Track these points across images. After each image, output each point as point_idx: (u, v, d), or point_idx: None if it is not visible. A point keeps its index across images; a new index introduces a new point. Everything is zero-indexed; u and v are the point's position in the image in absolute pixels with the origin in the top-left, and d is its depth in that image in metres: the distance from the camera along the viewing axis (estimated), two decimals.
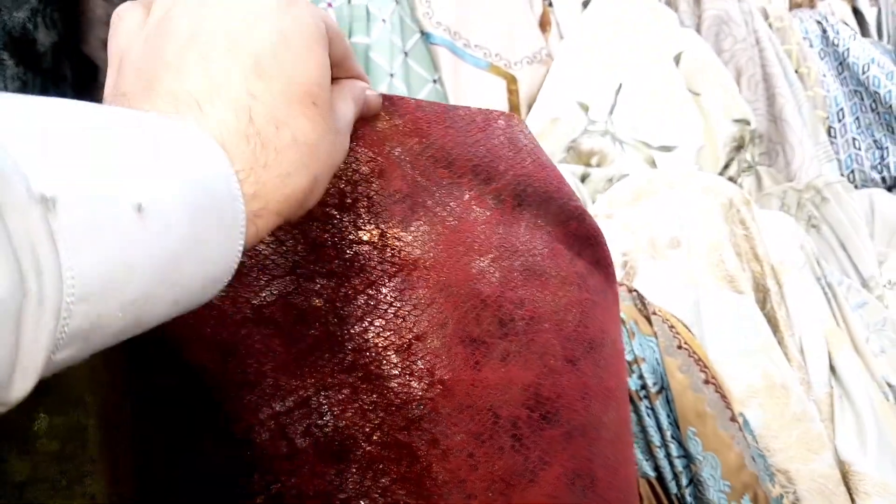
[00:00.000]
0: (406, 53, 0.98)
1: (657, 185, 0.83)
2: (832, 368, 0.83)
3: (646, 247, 0.79)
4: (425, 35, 0.99)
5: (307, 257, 0.34)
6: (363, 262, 0.34)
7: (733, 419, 0.68)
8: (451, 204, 0.36)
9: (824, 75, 1.51)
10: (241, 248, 0.24)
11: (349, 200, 0.35)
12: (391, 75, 0.96)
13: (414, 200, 0.36)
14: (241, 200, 0.24)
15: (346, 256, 0.34)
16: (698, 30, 1.29)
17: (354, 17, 0.95)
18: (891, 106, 1.53)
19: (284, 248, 0.34)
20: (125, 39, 0.28)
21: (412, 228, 0.35)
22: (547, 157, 0.39)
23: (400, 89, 0.96)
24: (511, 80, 0.96)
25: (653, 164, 0.94)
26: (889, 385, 0.87)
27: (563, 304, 0.38)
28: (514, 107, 0.96)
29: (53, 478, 0.27)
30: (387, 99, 0.35)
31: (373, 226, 0.35)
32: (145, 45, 0.27)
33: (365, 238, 0.35)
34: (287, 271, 0.34)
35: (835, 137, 1.53)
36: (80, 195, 0.19)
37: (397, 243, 0.35)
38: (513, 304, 0.36)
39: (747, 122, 1.14)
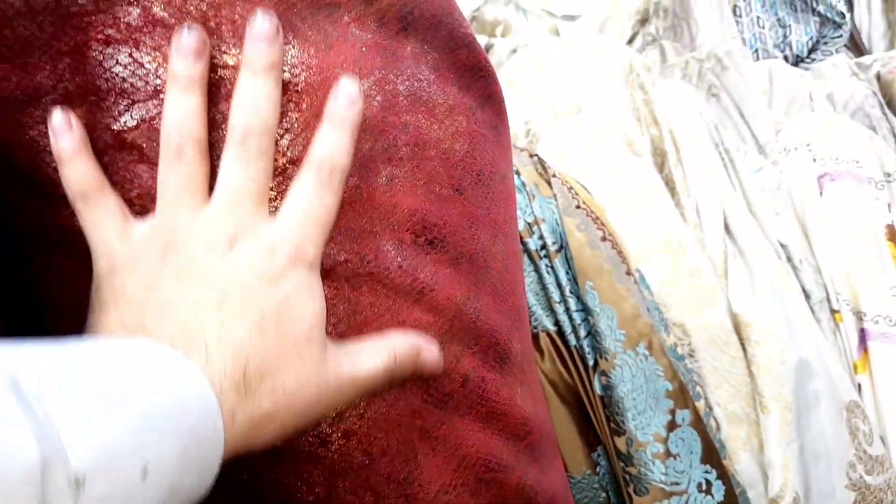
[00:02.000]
0: None
1: (559, 53, 0.82)
2: (727, 229, 0.86)
3: (547, 114, 0.79)
4: None
5: None
6: (230, 86, 0.32)
7: (629, 273, 0.70)
8: (325, 26, 0.35)
9: None
10: (214, 477, 0.27)
11: (212, 24, 0.33)
12: None
13: (283, 22, 0.34)
14: (222, 446, 0.28)
15: (212, 81, 0.32)
16: None
17: None
18: None
19: (144, 70, 0.32)
20: (118, 248, 0.31)
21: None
22: None
23: None
24: None
25: (556, 33, 0.93)
26: (782, 245, 0.91)
27: (450, 133, 0.38)
28: None
29: None
30: None
31: (238, 50, 0.33)
32: (154, 272, 0.30)
33: (231, 63, 0.33)
34: (148, 95, 0.32)
35: (740, 16, 1.54)
36: (102, 469, 0.22)
37: None
38: (396, 129, 0.35)
39: None
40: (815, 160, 1.00)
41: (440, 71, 0.38)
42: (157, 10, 0.32)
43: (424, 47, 0.38)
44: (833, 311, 0.87)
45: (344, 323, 0.33)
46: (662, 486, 0.64)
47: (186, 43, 0.31)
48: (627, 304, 0.68)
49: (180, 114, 0.31)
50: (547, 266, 0.67)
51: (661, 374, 0.68)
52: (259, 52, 0.32)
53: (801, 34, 1.61)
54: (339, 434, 0.32)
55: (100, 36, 0.31)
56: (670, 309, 0.78)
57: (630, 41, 1.06)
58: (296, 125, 0.33)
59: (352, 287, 0.34)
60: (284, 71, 0.33)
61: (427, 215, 0.36)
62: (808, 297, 0.88)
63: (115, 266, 0.31)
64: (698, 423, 0.67)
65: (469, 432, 0.37)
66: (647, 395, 0.67)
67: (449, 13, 0.39)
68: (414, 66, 0.37)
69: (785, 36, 1.57)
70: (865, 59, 1.27)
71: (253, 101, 0.31)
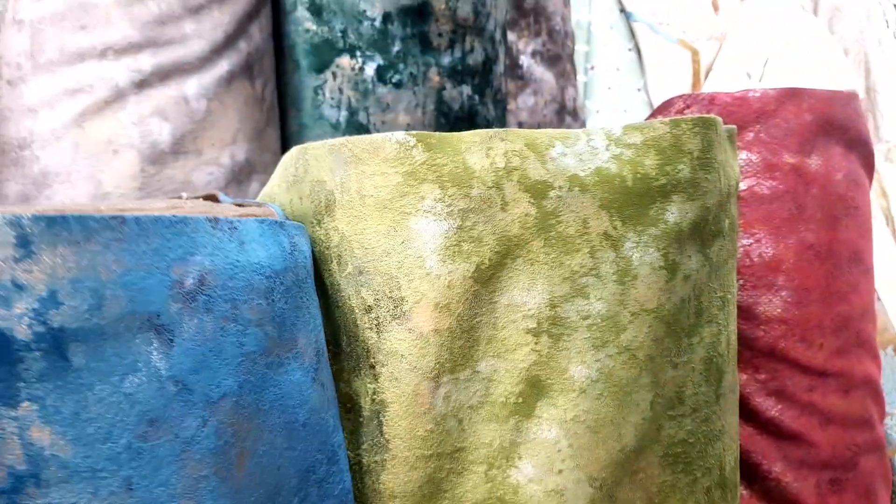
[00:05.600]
0: (611, 27, 1.29)
1: None
2: None
3: None
4: (627, 13, 1.30)
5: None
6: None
7: (878, 298, 1.02)
8: (830, 147, 0.69)
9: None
10: None
11: None
12: (604, 45, 1.27)
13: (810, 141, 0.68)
14: None
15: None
16: (815, 13, 1.59)
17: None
18: None
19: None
20: None
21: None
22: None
23: (602, 52, 1.28)
24: (695, 53, 1.27)
25: None
26: None
27: (865, 200, 0.71)
28: (695, 73, 1.27)
29: None
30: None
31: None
32: None
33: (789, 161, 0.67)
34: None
35: None
36: None
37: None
38: (848, 197, 0.69)
39: (854, 92, 1.46)
40: None
41: (863, 167, 0.72)
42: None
43: (853, 153, 0.71)
44: None
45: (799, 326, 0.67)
46: None
47: None
48: (879, 319, 1.00)
49: None
50: None
51: None
52: None
53: None
54: None
55: None
56: None
57: None
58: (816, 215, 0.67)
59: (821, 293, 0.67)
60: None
61: (859, 247, 0.69)
62: None
63: None
64: None
65: None
66: (893, 381, 0.98)
67: (867, 135, 0.72)
68: (854, 164, 0.71)
69: None
70: None
71: None
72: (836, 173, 0.68)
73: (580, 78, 1.33)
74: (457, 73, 0.77)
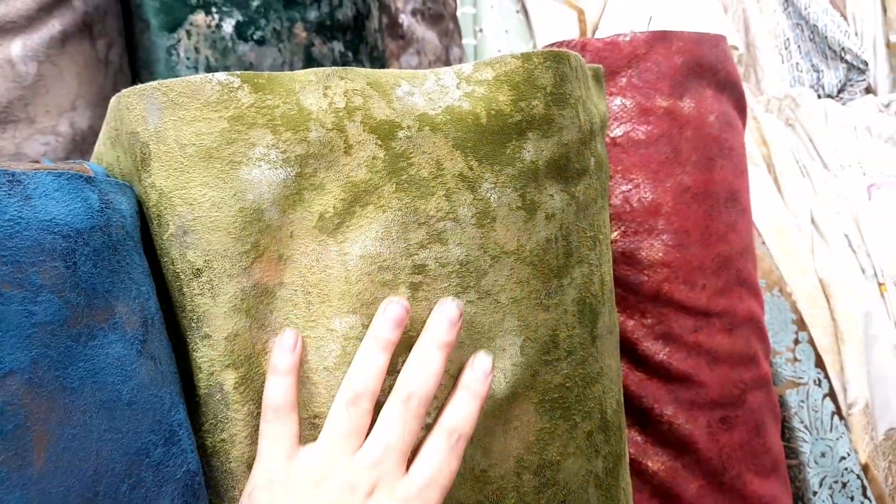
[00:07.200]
0: None
1: None
2: (813, 220, 1.21)
3: None
4: None
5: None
6: None
7: (763, 243, 1.05)
8: (701, 88, 0.68)
9: (774, 10, 1.89)
10: None
11: None
12: (491, 7, 1.25)
13: (685, 82, 0.67)
14: None
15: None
16: None
17: None
18: (826, 37, 1.93)
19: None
20: (282, 466, 0.36)
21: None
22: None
23: (490, 14, 1.26)
24: (580, 12, 1.27)
25: None
26: (844, 235, 1.25)
27: (739, 143, 0.72)
28: (582, 33, 1.27)
29: None
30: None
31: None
32: (308, 496, 0.35)
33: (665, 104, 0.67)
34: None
35: (782, 63, 1.92)
36: None
37: None
38: (722, 139, 0.69)
39: (736, 48, 1.49)
40: (864, 174, 1.36)
41: (735, 109, 0.72)
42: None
43: (725, 95, 0.72)
44: (879, 284, 1.22)
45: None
46: (792, 379, 0.97)
47: (392, 314, 0.37)
48: (765, 262, 1.03)
49: (370, 369, 0.36)
50: None
51: (788, 309, 1.02)
52: (442, 330, 0.38)
53: (831, 78, 1.98)
54: None
55: None
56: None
57: None
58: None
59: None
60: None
61: (735, 187, 0.70)
62: (863, 272, 1.23)
63: (273, 481, 0.35)
64: (811, 342, 1.01)
65: None
66: (780, 321, 1.01)
67: (738, 77, 0.73)
68: (726, 106, 0.71)
69: (818, 79, 1.95)
70: (883, 99, 1.65)
71: (424, 371, 0.37)
72: (709, 115, 0.68)
73: (470, 41, 1.31)
74: (325, 29, 0.73)
